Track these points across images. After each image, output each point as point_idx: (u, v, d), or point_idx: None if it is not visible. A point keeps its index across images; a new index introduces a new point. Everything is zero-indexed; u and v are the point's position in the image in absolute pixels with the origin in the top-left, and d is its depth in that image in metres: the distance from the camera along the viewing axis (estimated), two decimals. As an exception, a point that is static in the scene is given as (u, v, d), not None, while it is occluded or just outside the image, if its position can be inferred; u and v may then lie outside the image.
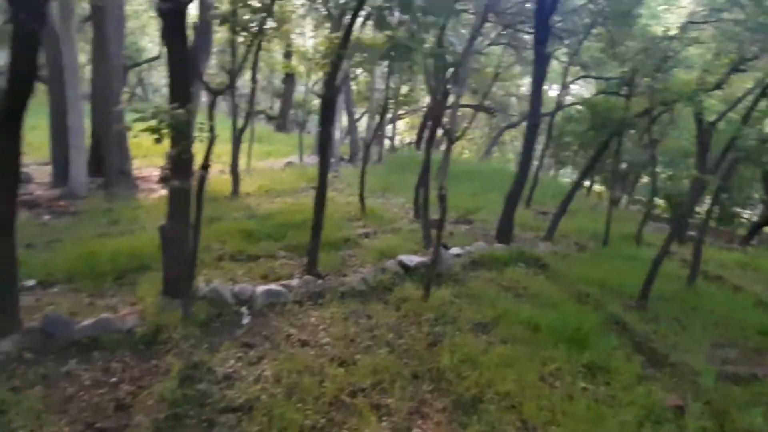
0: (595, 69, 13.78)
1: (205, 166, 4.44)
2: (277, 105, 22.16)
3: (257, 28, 4.22)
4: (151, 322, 4.58)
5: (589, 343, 5.20)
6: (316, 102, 16.57)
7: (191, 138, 4.60)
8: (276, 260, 6.41)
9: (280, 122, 18.78)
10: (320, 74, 14.12)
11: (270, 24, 4.53)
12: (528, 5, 10.08)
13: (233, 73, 4.67)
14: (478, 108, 15.35)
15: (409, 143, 24.01)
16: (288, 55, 13.07)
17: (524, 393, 4.28)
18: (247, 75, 9.24)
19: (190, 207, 5.11)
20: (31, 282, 5.27)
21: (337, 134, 12.25)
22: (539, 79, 6.87)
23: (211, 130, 4.31)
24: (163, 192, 9.08)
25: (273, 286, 5.47)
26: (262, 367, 4.32)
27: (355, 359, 4.54)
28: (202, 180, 4.49)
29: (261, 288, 5.42)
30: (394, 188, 10.76)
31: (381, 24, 4.97)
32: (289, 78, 17.12)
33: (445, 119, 7.97)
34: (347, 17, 5.44)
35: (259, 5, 4.13)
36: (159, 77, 27.54)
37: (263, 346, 4.66)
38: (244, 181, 9.58)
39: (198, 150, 4.65)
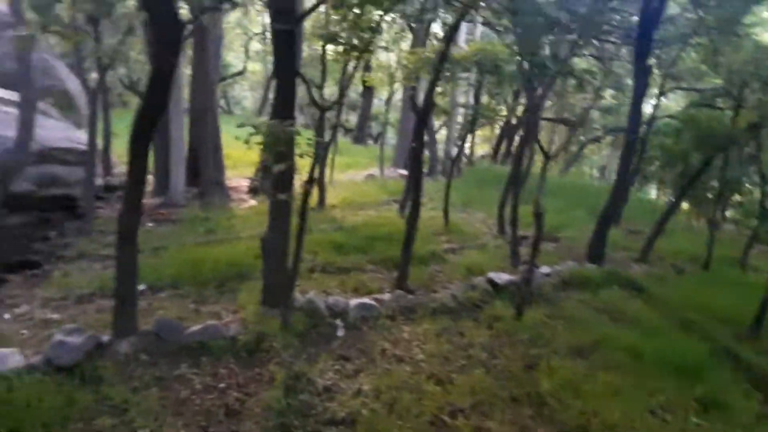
0: (689, 80, 13.04)
1: (310, 181, 4.56)
2: (352, 118, 22.64)
3: (364, 45, 4.30)
4: (253, 331, 4.74)
5: (700, 375, 4.85)
6: (394, 115, 16.78)
7: (294, 153, 4.75)
8: (365, 273, 6.47)
9: (358, 135, 19.16)
10: (398, 87, 14.32)
11: (380, 42, 4.64)
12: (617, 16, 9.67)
13: (342, 89, 4.77)
14: (559, 121, 14.94)
15: (483, 156, 23.69)
16: (368, 68, 13.36)
17: (633, 426, 4.05)
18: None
19: (290, 219, 5.28)
20: (142, 286, 5.60)
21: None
22: (640, 92, 6.56)
23: (318, 145, 4.43)
24: (253, 202, 9.49)
25: (366, 300, 5.53)
26: (360, 381, 4.35)
27: (452, 378, 4.48)
28: (306, 194, 4.61)
29: (354, 301, 5.48)
30: (475, 203, 10.62)
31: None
32: (368, 91, 17.45)
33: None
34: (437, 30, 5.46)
35: (371, 24, 4.22)
36: (240, 90, 28.90)
37: (359, 359, 4.70)
38: (329, 193, 9.78)
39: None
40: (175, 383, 4.12)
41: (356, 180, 12.27)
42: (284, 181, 5.13)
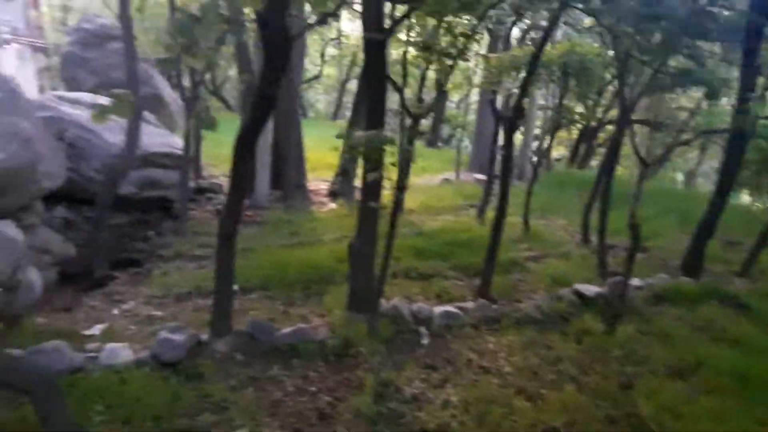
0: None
1: (401, 188, 4.57)
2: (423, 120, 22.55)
3: (458, 52, 4.27)
4: (341, 336, 4.83)
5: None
6: (469, 118, 16.58)
7: (383, 162, 4.79)
8: (447, 280, 6.43)
9: (431, 138, 19.13)
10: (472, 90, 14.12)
11: (475, 48, 4.58)
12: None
13: (440, 97, 4.77)
14: (646, 123, 14.13)
15: (557, 159, 22.90)
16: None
17: (743, 457, 3.76)
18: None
19: (378, 226, 5.34)
20: (235, 287, 5.85)
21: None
22: (746, 93, 6.08)
23: (409, 154, 4.44)
24: (333, 205, 9.69)
25: (450, 308, 5.49)
26: (447, 392, 4.32)
27: (542, 394, 4.35)
28: (397, 201, 4.63)
29: (438, 309, 5.46)
30: (554, 208, 10.28)
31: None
32: (441, 94, 17.27)
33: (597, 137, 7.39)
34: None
35: (465, 31, 4.19)
36: (314, 94, 29.68)
37: (445, 369, 4.67)
38: (406, 197, 9.80)
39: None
40: (269, 384, 4.27)
41: (431, 184, 12.22)
42: (374, 188, 5.20)
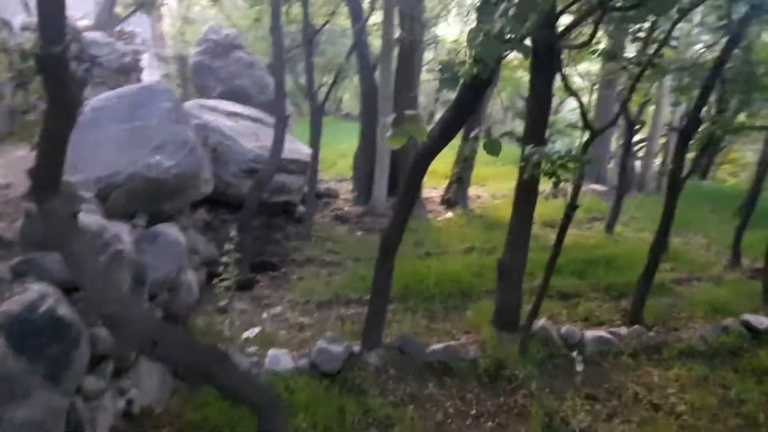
0: None
1: (573, 207, 4.29)
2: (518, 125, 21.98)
3: (648, 60, 3.93)
4: (492, 355, 4.63)
5: None
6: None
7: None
8: (589, 301, 6.02)
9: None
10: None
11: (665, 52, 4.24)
12: None
13: (621, 110, 4.46)
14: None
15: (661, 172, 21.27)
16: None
17: None
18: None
19: (528, 241, 5.09)
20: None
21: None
22: None
23: (581, 170, 4.16)
24: (449, 214, 9.50)
25: (602, 333, 5.11)
26: (617, 428, 3.99)
27: (728, 440, 3.90)
28: (569, 219, 4.35)
29: (590, 333, 5.11)
30: (689, 225, 9.44)
31: None
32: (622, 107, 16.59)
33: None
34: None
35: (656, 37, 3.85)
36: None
37: (610, 402, 4.33)
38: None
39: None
40: (428, 403, 4.15)
41: (542, 193, 11.68)
42: (527, 202, 4.97)
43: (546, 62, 4.37)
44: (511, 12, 2.01)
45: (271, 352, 4.36)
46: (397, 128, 2.27)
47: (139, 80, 7.66)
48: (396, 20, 8.73)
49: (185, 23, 19.97)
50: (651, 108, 12.04)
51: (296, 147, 8.95)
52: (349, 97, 28.71)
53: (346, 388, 4.12)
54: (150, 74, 17.71)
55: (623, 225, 9.33)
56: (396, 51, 9.20)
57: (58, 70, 2.23)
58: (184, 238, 5.40)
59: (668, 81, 9.53)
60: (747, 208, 7.14)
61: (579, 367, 4.78)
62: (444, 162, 13.90)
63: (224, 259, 5.21)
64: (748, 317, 5.46)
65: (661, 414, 4.20)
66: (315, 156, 7.85)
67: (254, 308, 5.51)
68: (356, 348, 4.54)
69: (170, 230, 5.27)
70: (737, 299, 6.14)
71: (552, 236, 8.48)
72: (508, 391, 4.34)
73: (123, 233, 3.93)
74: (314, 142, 7.74)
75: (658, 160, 14.31)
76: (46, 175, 2.41)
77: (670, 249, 7.86)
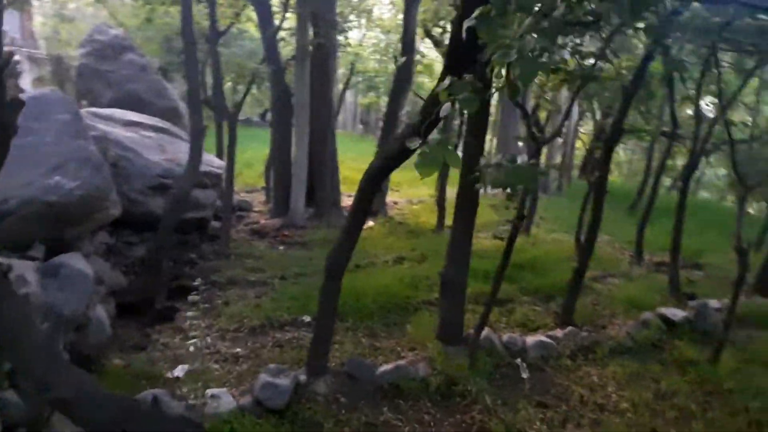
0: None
1: (521, 217, 4.28)
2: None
3: (585, 74, 4.03)
4: (442, 372, 4.50)
5: None
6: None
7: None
8: (522, 305, 6.15)
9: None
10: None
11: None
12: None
13: (563, 120, 4.51)
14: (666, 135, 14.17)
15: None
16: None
17: None
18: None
19: (470, 254, 5.04)
20: (307, 318, 5.48)
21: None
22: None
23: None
24: (371, 223, 9.33)
25: (542, 338, 5.21)
26: (573, 434, 4.04)
27: (669, 433, 4.10)
28: (516, 230, 4.34)
29: (530, 339, 5.18)
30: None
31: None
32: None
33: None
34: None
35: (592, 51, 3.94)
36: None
37: (560, 407, 4.38)
38: (434, 211, 9.50)
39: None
40: (385, 431, 3.92)
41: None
42: (468, 213, 4.92)
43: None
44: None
45: (209, 392, 3.88)
46: (426, 156, 2.02)
47: (18, 88, 6.63)
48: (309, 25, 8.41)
49: (61, 21, 17.98)
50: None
51: (207, 158, 8.30)
52: (248, 100, 27.64)
53: (297, 425, 3.78)
54: (21, 78, 15.73)
55: (535, 227, 9.76)
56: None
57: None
58: (90, 269, 4.72)
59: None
60: (646, 207, 7.72)
61: (524, 374, 4.80)
62: (357, 170, 13.79)
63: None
64: (664, 311, 5.87)
65: (606, 414, 4.32)
66: (231, 167, 7.31)
67: (179, 341, 4.93)
68: (302, 377, 4.20)
69: (74, 261, 4.57)
70: (648, 293, 6.61)
71: (477, 242, 8.67)
72: (462, 407, 4.23)
73: (27, 272, 3.30)
74: (230, 152, 7.20)
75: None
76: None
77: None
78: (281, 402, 3.90)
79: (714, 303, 6.28)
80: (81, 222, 4.73)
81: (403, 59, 8.63)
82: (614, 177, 23.42)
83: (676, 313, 5.82)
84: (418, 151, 2.20)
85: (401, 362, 4.56)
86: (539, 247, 8.13)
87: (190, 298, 5.95)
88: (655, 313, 5.87)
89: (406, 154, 3.29)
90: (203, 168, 7.81)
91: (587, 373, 4.90)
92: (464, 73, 2.50)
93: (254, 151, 14.93)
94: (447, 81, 2.22)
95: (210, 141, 8.25)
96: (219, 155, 9.35)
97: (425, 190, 12.42)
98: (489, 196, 12.03)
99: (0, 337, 2.05)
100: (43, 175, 4.49)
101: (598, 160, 5.37)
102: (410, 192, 12.08)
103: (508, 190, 3.70)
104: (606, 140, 5.25)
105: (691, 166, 6.54)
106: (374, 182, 3.60)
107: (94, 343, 4.54)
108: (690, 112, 12.64)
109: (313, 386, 4.18)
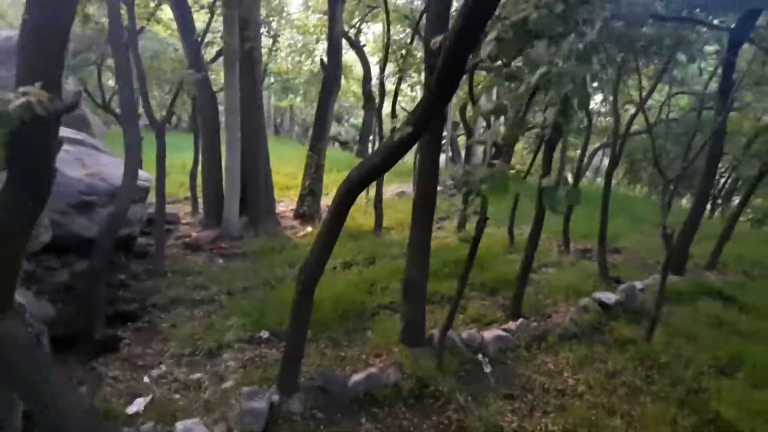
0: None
1: (484, 219, 4.42)
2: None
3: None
4: (412, 375, 4.56)
5: None
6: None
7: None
8: (471, 301, 6.36)
9: (360, 147, 18.91)
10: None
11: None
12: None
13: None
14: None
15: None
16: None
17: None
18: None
19: (429, 255, 5.13)
20: (265, 333, 5.30)
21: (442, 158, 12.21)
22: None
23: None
24: (309, 228, 9.19)
25: (498, 332, 5.43)
26: (542, 421, 4.25)
27: (626, 410, 4.44)
28: (480, 232, 4.47)
29: (488, 334, 5.38)
30: (518, 217, 10.64)
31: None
32: (368, 102, 17.16)
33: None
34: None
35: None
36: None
37: (525, 396, 4.60)
38: (371, 214, 9.57)
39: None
40: (370, 442, 3.90)
41: (387, 198, 12.09)
42: (424, 216, 5.00)
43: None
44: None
45: (180, 425, 3.64)
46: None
47: None
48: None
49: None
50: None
51: (130, 170, 7.72)
52: (154, 104, 26.00)
53: (279, 448, 3.66)
54: None
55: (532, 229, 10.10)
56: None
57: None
58: (24, 301, 4.25)
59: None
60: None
61: (487, 369, 4.99)
62: (286, 174, 13.49)
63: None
64: (599, 295, 6.33)
65: (568, 398, 4.60)
66: (162, 179, 6.85)
67: (130, 373, 4.57)
68: (275, 397, 4.06)
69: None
70: (581, 279, 7.10)
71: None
72: (437, 408, 4.32)
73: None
74: (160, 163, 6.74)
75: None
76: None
77: (515, 241, 8.78)
78: (259, 426, 3.76)
79: (638, 284, 6.88)
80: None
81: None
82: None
83: (610, 297, 6.30)
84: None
85: (372, 370, 4.55)
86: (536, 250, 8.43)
87: (132, 324, 5.62)
88: (592, 298, 6.31)
89: (391, 163, 3.28)
90: (128, 181, 7.28)
91: (543, 361, 5.18)
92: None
93: (170, 159, 14.09)
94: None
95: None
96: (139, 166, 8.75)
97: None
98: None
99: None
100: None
101: (543, 160, 5.66)
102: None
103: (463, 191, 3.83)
104: (546, 141, 5.58)
105: (615, 161, 7.08)
106: (354, 194, 3.55)
107: (34, 384, 4.10)
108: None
109: (288, 405, 4.07)
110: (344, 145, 20.68)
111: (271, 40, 12.45)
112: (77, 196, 6.25)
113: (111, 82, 24.92)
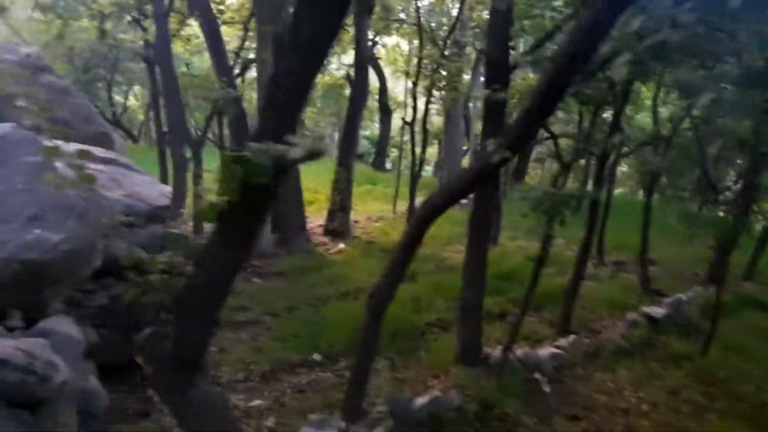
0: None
1: (550, 237, 4.36)
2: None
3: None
4: (476, 398, 4.48)
5: None
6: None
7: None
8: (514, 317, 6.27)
9: (377, 160, 18.90)
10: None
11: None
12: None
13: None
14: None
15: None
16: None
17: None
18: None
19: (485, 275, 5.07)
20: (317, 356, 5.22)
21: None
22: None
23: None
24: (342, 245, 9.12)
25: (552, 350, 5.35)
26: (614, 443, 4.17)
27: (693, 428, 4.36)
28: (546, 252, 4.41)
29: (543, 352, 5.31)
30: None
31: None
32: (385, 115, 17.19)
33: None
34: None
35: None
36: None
37: (590, 417, 4.52)
38: (399, 227, 9.50)
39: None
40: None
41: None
42: (483, 235, 4.96)
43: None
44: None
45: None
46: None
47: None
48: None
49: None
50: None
51: (162, 189, 7.68)
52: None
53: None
54: None
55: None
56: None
57: None
58: (80, 332, 4.18)
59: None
60: (605, 212, 8.20)
61: (546, 389, 4.90)
62: (310, 190, 13.43)
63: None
64: (647, 310, 6.26)
65: (633, 417, 4.52)
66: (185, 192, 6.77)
67: (187, 400, 4.47)
68: (342, 424, 3.98)
69: (64, 325, 4.04)
70: (623, 293, 7.04)
71: (447, 255, 8.77)
72: None
73: (52, 356, 2.81)
74: (197, 182, 6.68)
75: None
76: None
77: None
78: (333, 456, 3.67)
79: (682, 296, 6.81)
80: (62, 280, 4.17)
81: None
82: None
83: (658, 311, 6.24)
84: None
85: (436, 393, 4.47)
86: (512, 257, 8.36)
87: (179, 347, 5.52)
88: (640, 313, 6.24)
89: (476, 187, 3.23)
90: (164, 200, 7.24)
91: (601, 379, 5.10)
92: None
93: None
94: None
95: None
96: (164, 182, 8.71)
97: (377, 205, 12.39)
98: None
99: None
100: (19, 230, 3.91)
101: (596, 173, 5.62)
102: (364, 208, 11.96)
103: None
104: (601, 155, 5.54)
105: (655, 174, 7.04)
106: (435, 218, 3.50)
107: (94, 414, 4.02)
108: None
109: (356, 432, 3.98)
110: (359, 157, 20.65)
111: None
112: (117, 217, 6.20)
113: (119, 98, 25.09)
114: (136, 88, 27.56)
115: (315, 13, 2.01)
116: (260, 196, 2.14)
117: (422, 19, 8.64)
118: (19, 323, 3.96)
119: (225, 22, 9.05)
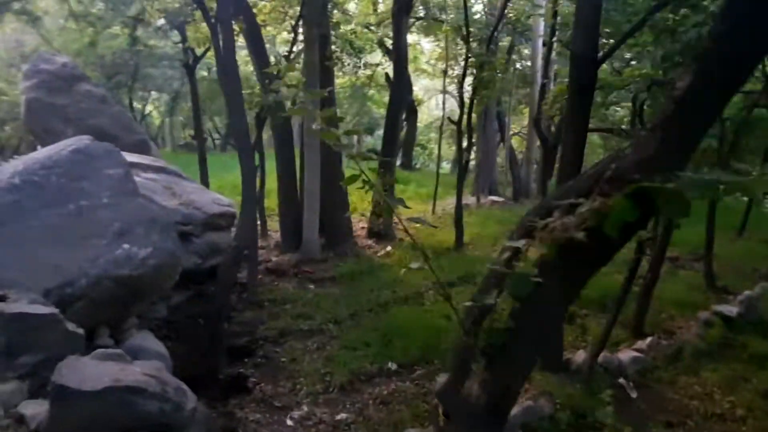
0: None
1: (649, 239, 4.21)
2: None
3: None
4: (565, 406, 4.35)
5: None
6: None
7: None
8: (585, 319, 6.14)
9: (404, 160, 18.74)
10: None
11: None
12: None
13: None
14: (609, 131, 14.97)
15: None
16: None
17: None
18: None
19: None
20: (393, 365, 5.12)
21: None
22: None
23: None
24: (389, 248, 9.01)
25: (633, 353, 5.20)
26: (716, 452, 4.02)
27: (798, 434, 4.19)
28: (641, 252, 4.26)
29: (624, 355, 5.16)
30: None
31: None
32: (412, 114, 17.07)
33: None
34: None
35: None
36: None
37: (685, 423, 4.37)
38: (447, 229, 9.37)
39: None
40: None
41: (449, 211, 11.88)
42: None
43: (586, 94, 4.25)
44: None
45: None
46: None
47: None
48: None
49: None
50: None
51: (212, 196, 7.63)
52: (187, 124, 26.10)
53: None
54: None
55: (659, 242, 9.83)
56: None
57: None
58: (163, 347, 4.13)
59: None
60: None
61: (633, 394, 4.77)
62: (357, 194, 13.35)
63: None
64: (720, 308, 6.07)
65: (730, 423, 4.35)
66: (252, 202, 6.68)
67: (270, 414, 4.39)
68: (437, 437, 3.87)
69: (149, 341, 3.99)
70: (687, 291, 6.84)
71: (496, 255, 8.59)
72: (604, 442, 4.10)
73: (179, 384, 2.73)
74: (251, 186, 6.55)
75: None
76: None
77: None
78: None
79: (751, 293, 6.59)
80: (148, 295, 4.12)
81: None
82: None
83: (731, 309, 6.04)
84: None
85: (527, 402, 4.35)
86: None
87: (248, 359, 5.46)
88: (712, 312, 6.05)
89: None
90: (217, 208, 7.18)
91: (687, 382, 4.93)
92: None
93: (220, 179, 14.06)
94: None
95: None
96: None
97: (413, 205, 12.24)
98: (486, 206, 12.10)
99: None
100: (107, 246, 3.85)
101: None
102: (401, 209, 11.83)
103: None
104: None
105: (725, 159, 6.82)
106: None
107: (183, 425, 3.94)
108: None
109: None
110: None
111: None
112: (174, 227, 6.15)
113: (137, 105, 25.21)
114: (153, 94, 27.77)
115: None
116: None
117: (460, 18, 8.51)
118: (108, 341, 3.91)
119: (262, 23, 8.97)
